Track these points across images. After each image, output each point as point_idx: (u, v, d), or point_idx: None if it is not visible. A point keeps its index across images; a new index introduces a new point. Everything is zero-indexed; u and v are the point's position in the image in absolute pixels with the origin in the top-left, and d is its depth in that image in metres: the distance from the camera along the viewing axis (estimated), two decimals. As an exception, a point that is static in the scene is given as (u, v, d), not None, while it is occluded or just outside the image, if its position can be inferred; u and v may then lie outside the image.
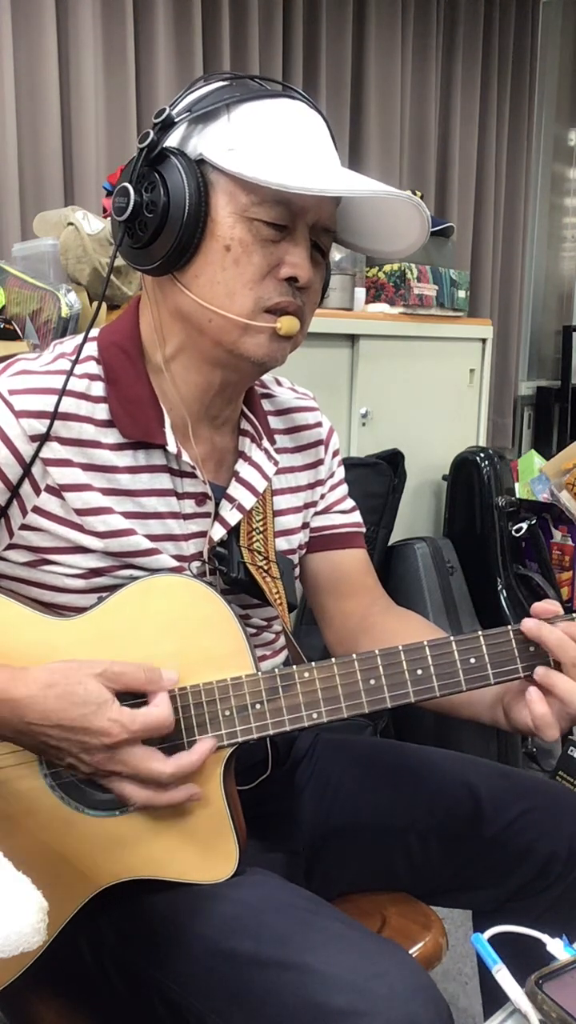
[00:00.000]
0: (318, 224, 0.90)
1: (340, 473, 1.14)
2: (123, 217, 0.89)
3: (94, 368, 0.94)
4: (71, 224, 1.79)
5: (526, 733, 0.90)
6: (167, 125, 0.88)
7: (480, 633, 0.88)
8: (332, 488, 1.13)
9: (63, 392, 0.90)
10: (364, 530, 1.15)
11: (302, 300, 0.91)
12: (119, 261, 0.95)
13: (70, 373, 0.91)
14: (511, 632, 0.88)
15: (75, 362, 0.92)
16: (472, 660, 0.87)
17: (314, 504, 1.10)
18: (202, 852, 0.87)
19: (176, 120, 0.89)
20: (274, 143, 0.88)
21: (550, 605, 0.89)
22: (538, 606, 0.89)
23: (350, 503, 1.15)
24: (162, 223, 0.87)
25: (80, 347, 0.93)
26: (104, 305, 1.79)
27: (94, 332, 0.97)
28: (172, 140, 0.89)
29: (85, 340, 0.94)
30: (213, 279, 0.88)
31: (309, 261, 0.90)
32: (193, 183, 0.86)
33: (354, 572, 1.13)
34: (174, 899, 0.86)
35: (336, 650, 1.13)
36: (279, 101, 0.90)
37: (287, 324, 0.90)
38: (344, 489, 1.15)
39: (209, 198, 0.87)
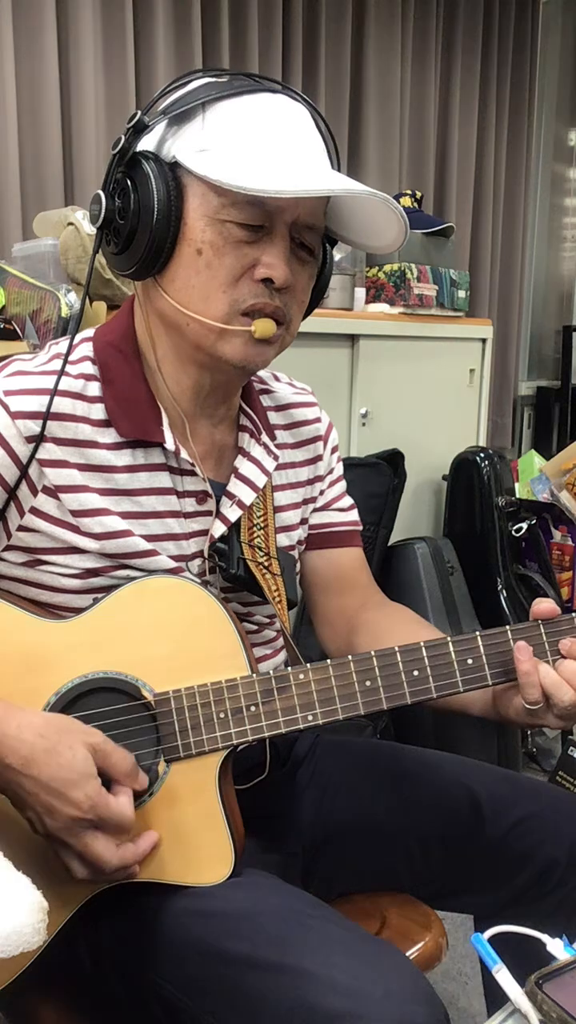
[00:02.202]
0: (299, 222, 0.89)
1: (339, 470, 1.14)
2: (97, 224, 0.90)
3: (90, 368, 0.94)
4: (71, 224, 1.79)
5: (513, 720, 0.90)
6: (139, 129, 0.88)
7: (478, 633, 0.88)
8: (331, 484, 1.12)
9: (54, 392, 0.89)
10: (361, 528, 1.15)
11: (282, 301, 0.90)
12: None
13: (61, 373, 0.91)
14: (509, 632, 0.88)
15: (66, 362, 0.91)
16: (470, 661, 0.87)
17: (313, 500, 1.10)
18: (198, 855, 0.87)
19: (151, 123, 0.88)
20: (246, 142, 0.86)
21: (550, 605, 0.89)
22: (539, 608, 0.89)
23: (348, 501, 1.14)
24: (134, 229, 0.87)
25: (69, 347, 0.93)
26: (105, 305, 1.79)
27: (89, 332, 0.97)
28: (149, 143, 0.89)
29: (72, 340, 0.93)
30: (188, 283, 0.88)
31: (286, 261, 0.88)
32: (163, 187, 0.86)
33: (350, 571, 1.13)
34: (170, 900, 0.85)
35: (329, 647, 1.13)
36: (257, 97, 0.88)
37: (262, 327, 0.89)
38: (343, 486, 1.14)
39: (182, 201, 0.87)
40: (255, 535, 0.98)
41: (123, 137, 0.88)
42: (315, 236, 0.92)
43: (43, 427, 0.89)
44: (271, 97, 0.89)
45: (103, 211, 0.89)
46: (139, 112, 0.88)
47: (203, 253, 0.87)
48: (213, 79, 0.90)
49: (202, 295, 0.88)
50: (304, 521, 1.09)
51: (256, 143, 0.87)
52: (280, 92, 0.90)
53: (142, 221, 0.87)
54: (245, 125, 0.87)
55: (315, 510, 1.11)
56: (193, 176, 0.86)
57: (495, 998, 0.77)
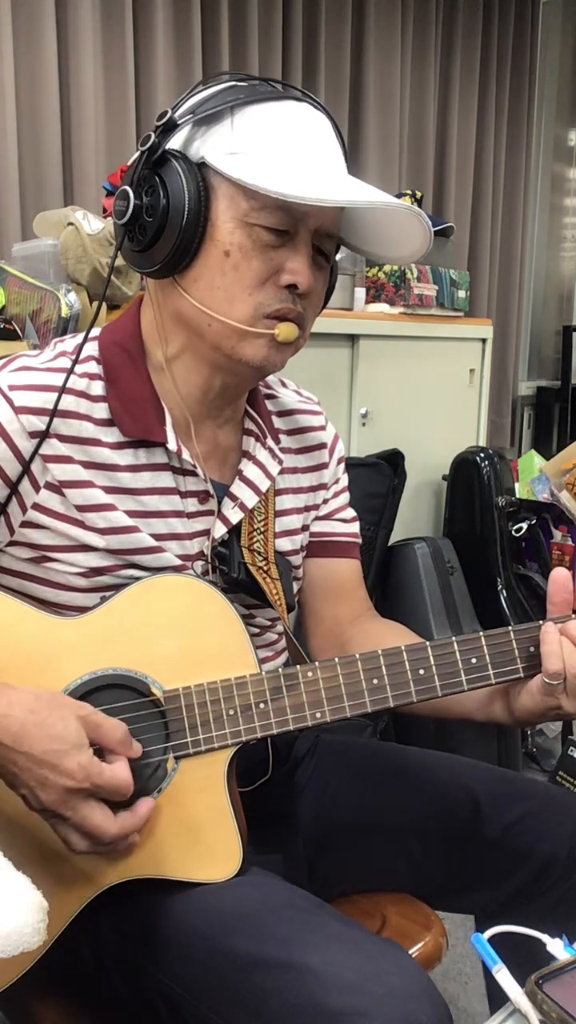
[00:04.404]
0: (321, 229, 0.90)
1: (344, 481, 1.14)
2: (123, 220, 0.89)
3: (94, 367, 0.94)
4: (71, 224, 1.79)
5: (528, 708, 0.90)
6: (169, 127, 0.88)
7: (481, 633, 0.89)
8: (336, 495, 1.12)
9: (63, 390, 0.90)
10: (360, 542, 1.15)
11: (302, 306, 0.91)
12: (119, 261, 0.95)
13: (70, 371, 0.91)
14: (512, 632, 0.89)
15: (75, 361, 0.92)
16: (473, 660, 0.88)
17: (316, 507, 1.10)
18: (205, 851, 0.87)
19: (179, 122, 0.88)
20: (276, 148, 0.87)
21: (564, 574, 0.90)
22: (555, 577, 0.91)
23: (351, 512, 1.14)
24: (161, 227, 0.87)
25: (80, 347, 0.93)
26: (104, 305, 1.78)
27: (95, 331, 0.98)
28: (175, 142, 0.89)
29: (85, 339, 0.94)
30: (212, 284, 0.88)
31: (310, 267, 0.89)
32: (193, 187, 0.86)
33: (347, 582, 1.13)
34: (174, 898, 0.86)
35: (319, 654, 1.12)
36: (284, 104, 0.89)
37: (285, 331, 0.89)
38: (346, 497, 1.14)
39: (210, 202, 0.87)
40: (255, 539, 0.98)
41: (152, 134, 0.88)
42: (333, 244, 0.94)
43: (49, 423, 0.89)
44: (297, 105, 0.90)
45: (131, 207, 0.88)
46: (169, 110, 0.88)
47: (231, 255, 0.87)
48: (236, 83, 0.91)
49: (227, 296, 0.88)
50: (305, 528, 1.09)
51: (287, 150, 0.87)
52: (304, 101, 0.91)
53: (171, 220, 0.86)
54: (275, 131, 0.87)
55: (317, 518, 1.11)
56: (222, 178, 0.87)
57: (496, 998, 0.77)
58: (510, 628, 0.89)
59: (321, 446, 1.10)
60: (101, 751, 0.82)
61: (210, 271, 0.88)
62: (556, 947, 0.76)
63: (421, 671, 0.88)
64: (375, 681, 0.88)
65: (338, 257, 1.03)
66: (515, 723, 0.95)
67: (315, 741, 1.15)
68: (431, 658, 0.88)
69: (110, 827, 0.80)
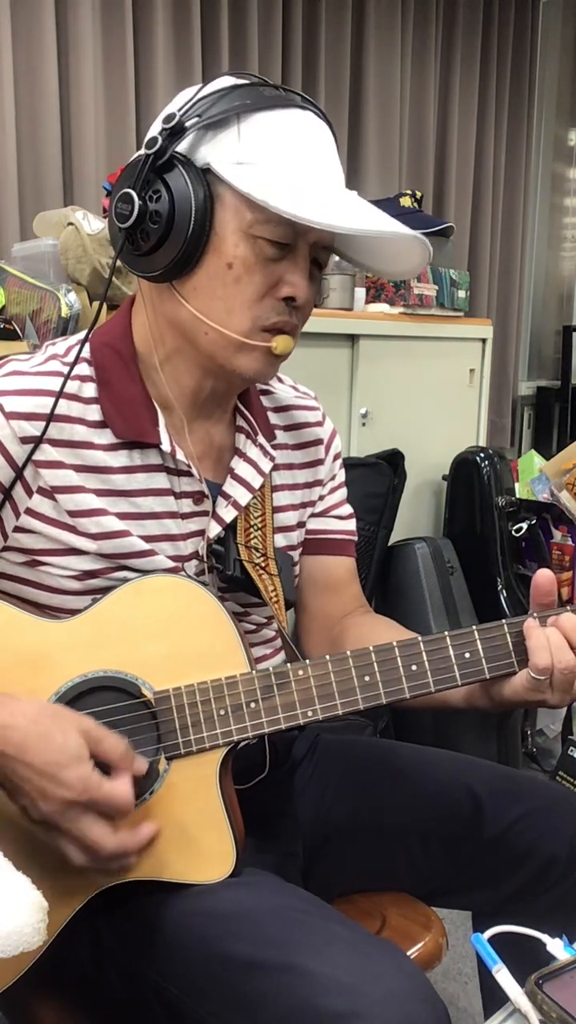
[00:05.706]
0: (319, 242, 0.90)
1: (340, 476, 1.14)
2: (126, 224, 0.87)
3: (85, 369, 0.94)
4: (71, 224, 1.79)
5: (510, 702, 0.89)
6: (176, 132, 0.86)
7: (474, 627, 0.88)
8: (332, 491, 1.12)
9: (59, 395, 0.89)
10: (356, 538, 1.15)
11: (297, 318, 0.91)
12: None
13: (67, 376, 0.90)
14: (505, 625, 0.88)
15: (73, 364, 0.91)
16: (467, 655, 0.88)
17: (312, 504, 1.10)
18: (198, 852, 0.87)
19: (185, 126, 0.86)
20: (283, 161, 0.86)
21: (548, 575, 0.89)
22: (537, 580, 0.89)
23: (348, 509, 1.14)
24: (166, 234, 0.86)
25: (80, 348, 0.93)
26: (104, 305, 1.78)
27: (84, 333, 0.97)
28: (179, 147, 0.87)
29: (85, 341, 0.93)
30: (213, 294, 0.88)
31: (308, 280, 0.90)
32: (200, 195, 0.85)
33: (342, 580, 1.13)
34: (172, 900, 0.85)
35: (313, 651, 1.12)
36: (289, 112, 0.88)
37: (282, 344, 0.90)
38: (343, 493, 1.14)
39: (214, 211, 0.86)
40: (252, 536, 0.98)
41: (159, 137, 0.86)
42: (327, 256, 0.94)
43: (45, 428, 0.89)
44: (302, 114, 0.89)
45: (135, 211, 0.87)
46: (177, 113, 0.86)
47: (234, 267, 0.87)
48: (239, 83, 0.89)
49: (226, 308, 0.88)
50: (301, 524, 1.09)
51: (293, 163, 0.87)
52: (307, 108, 0.90)
53: (176, 227, 0.85)
54: (282, 142, 0.87)
55: (313, 515, 1.10)
56: (227, 186, 0.86)
57: (494, 998, 0.77)
58: (503, 621, 0.88)
59: (317, 442, 1.10)
60: (108, 766, 0.82)
61: (211, 281, 0.88)
62: (556, 947, 0.76)
63: (414, 667, 0.87)
64: (367, 678, 0.87)
65: (338, 257, 1.03)
66: (496, 711, 0.94)
67: (315, 740, 1.14)
68: (423, 654, 0.87)
69: (107, 843, 0.80)
